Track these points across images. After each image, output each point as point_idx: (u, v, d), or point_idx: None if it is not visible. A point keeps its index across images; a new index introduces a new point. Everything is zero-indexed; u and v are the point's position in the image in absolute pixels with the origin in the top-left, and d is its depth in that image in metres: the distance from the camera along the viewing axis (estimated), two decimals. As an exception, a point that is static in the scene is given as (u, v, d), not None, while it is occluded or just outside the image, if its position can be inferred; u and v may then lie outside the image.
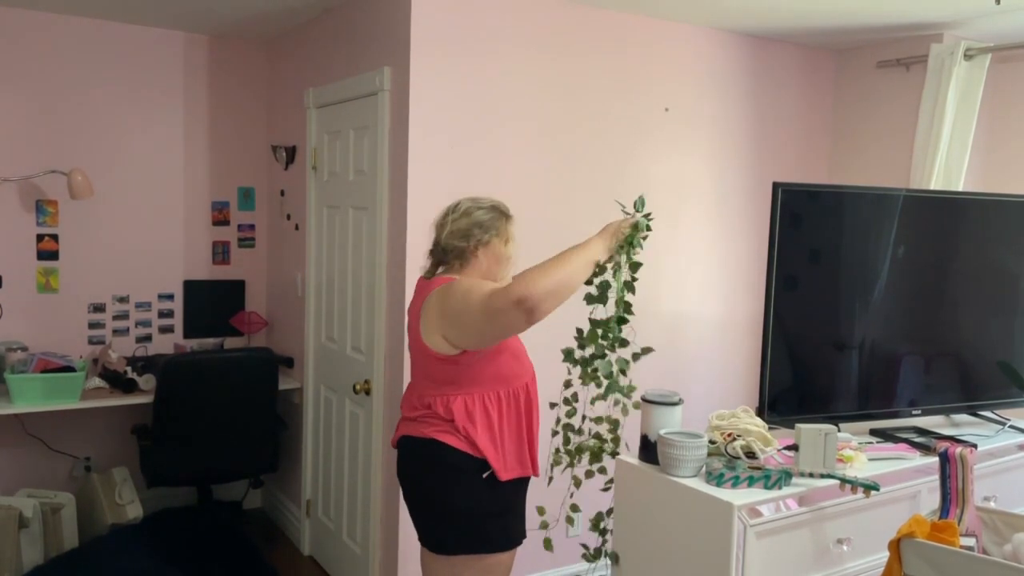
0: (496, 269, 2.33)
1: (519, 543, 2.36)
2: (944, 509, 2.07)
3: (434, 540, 2.32)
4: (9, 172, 3.84)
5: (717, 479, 2.13)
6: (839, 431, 2.28)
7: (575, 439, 2.46)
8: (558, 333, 2.48)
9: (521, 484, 2.37)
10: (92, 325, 4.11)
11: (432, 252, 2.38)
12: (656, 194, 3.63)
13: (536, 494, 2.49)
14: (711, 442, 2.28)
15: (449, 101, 3.10)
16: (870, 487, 2.12)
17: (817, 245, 2.64)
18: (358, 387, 3.35)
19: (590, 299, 2.32)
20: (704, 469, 2.18)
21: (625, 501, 2.33)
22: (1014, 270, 2.93)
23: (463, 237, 2.28)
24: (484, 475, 2.25)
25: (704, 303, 3.82)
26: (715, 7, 3.36)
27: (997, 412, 2.98)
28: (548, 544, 2.49)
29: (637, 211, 2.31)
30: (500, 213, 2.34)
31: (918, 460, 2.46)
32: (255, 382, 3.77)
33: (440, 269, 2.36)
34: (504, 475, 2.26)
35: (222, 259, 4.43)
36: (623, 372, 2.34)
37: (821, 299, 2.67)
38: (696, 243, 3.78)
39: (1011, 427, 2.87)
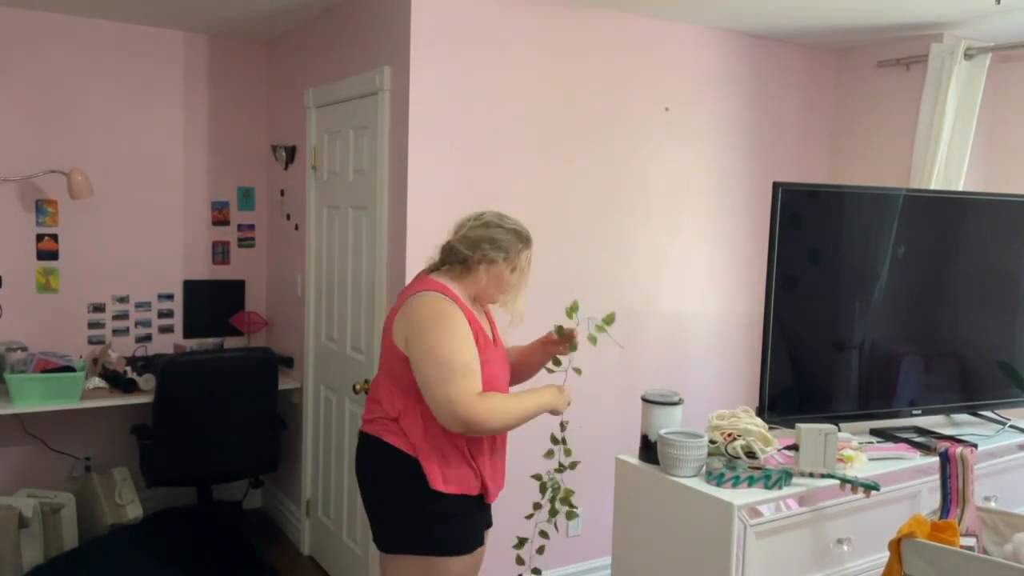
0: (494, 292, 2.29)
1: (470, 551, 2.24)
2: (944, 509, 2.07)
3: (380, 539, 2.27)
4: (9, 172, 3.84)
5: (717, 479, 2.13)
6: (839, 431, 2.29)
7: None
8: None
9: (472, 499, 2.26)
10: (92, 325, 4.11)
11: (442, 247, 2.32)
12: (656, 193, 3.64)
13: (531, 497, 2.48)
14: (711, 442, 2.28)
15: (449, 101, 3.10)
16: (870, 487, 2.12)
17: (817, 245, 2.64)
18: (358, 387, 3.35)
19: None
20: (704, 469, 2.18)
21: (625, 501, 2.33)
22: (1014, 270, 2.93)
23: (471, 246, 2.23)
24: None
25: (704, 303, 3.82)
26: (715, 7, 3.36)
27: (997, 412, 2.98)
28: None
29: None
30: (519, 239, 2.28)
31: (918, 460, 2.46)
32: (255, 382, 3.76)
33: (444, 267, 2.29)
34: (439, 486, 2.17)
35: (222, 259, 4.43)
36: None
37: (821, 299, 2.67)
38: (696, 243, 3.78)
39: (1011, 427, 2.87)
